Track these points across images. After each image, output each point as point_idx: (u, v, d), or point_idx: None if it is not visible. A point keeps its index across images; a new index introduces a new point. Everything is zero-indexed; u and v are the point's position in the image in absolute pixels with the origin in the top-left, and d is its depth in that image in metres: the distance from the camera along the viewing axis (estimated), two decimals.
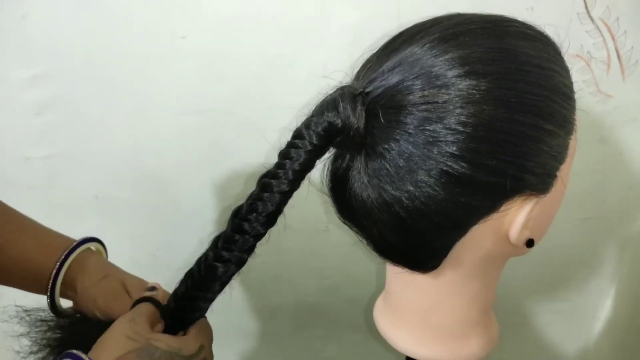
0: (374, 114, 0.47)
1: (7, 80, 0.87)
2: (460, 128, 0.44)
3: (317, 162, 0.51)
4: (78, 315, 0.66)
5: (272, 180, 0.51)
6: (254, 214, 0.51)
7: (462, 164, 0.44)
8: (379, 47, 0.51)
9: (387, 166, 0.46)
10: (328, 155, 0.52)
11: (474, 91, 0.44)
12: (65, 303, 0.67)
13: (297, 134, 0.50)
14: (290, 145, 0.50)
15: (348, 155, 0.50)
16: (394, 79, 0.46)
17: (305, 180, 0.52)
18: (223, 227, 0.54)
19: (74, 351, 0.51)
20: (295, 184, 0.51)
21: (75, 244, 0.66)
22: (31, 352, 0.63)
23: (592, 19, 0.81)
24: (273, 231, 0.53)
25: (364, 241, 0.54)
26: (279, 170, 0.50)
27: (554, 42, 0.51)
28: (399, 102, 0.46)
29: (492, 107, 0.44)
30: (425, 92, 0.45)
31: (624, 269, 1.01)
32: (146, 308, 0.58)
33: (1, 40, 0.85)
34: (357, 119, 0.47)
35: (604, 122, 0.88)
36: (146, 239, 1.01)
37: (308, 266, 1.01)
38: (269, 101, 0.87)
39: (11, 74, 0.87)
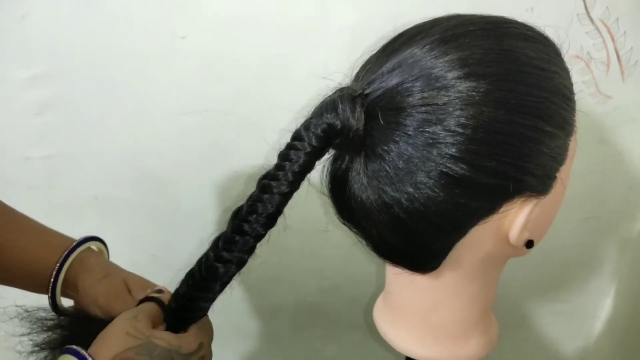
0: (373, 116, 0.47)
1: (7, 80, 0.87)
2: (459, 130, 0.44)
3: (317, 163, 0.51)
4: (79, 314, 0.66)
5: (272, 182, 0.51)
6: (254, 215, 0.51)
7: (462, 165, 0.44)
8: (378, 48, 0.51)
9: (387, 167, 0.46)
10: (327, 156, 0.52)
11: (474, 93, 0.44)
12: (67, 302, 0.67)
13: (297, 136, 0.50)
14: (289, 146, 0.50)
15: (347, 157, 0.50)
16: (393, 80, 0.46)
17: (304, 181, 0.52)
18: (223, 227, 0.54)
19: (74, 347, 0.51)
20: (294, 185, 0.51)
21: (75, 243, 0.66)
22: (32, 352, 0.63)
23: (591, 20, 0.81)
24: (273, 232, 0.53)
25: (364, 242, 0.54)
26: (278, 172, 0.50)
27: (554, 44, 0.51)
28: (399, 104, 0.46)
29: (491, 109, 0.44)
30: (425, 94, 0.45)
31: (624, 269, 1.01)
32: (150, 307, 0.58)
33: (1, 40, 0.85)
34: (357, 120, 0.47)
35: (603, 123, 0.88)
36: (146, 239, 1.01)
37: (308, 267, 1.01)
38: (269, 101, 0.87)
39: (11, 74, 0.87)
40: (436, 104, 0.44)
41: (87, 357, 0.50)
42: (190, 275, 0.56)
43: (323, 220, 0.95)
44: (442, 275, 0.54)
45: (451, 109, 0.44)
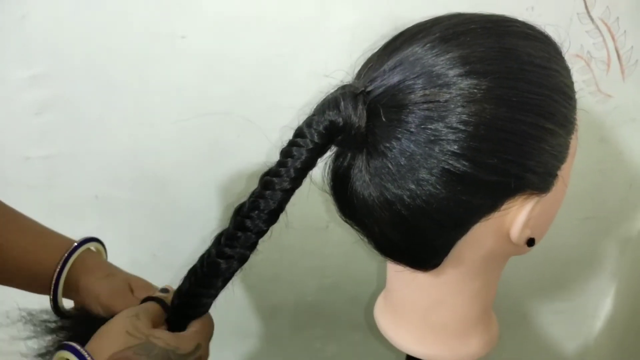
0: (375, 113, 0.47)
1: (7, 80, 0.87)
2: (461, 127, 0.44)
3: (319, 160, 0.51)
4: (80, 314, 0.65)
5: (274, 178, 0.51)
6: (256, 212, 0.51)
7: (464, 162, 0.44)
8: (380, 47, 0.52)
9: (389, 165, 0.46)
10: (329, 153, 0.52)
11: (475, 90, 0.44)
12: (68, 304, 0.67)
13: (299, 133, 0.50)
14: (292, 143, 0.50)
15: (349, 154, 0.50)
16: (395, 78, 0.46)
17: (306, 178, 0.52)
18: (224, 226, 0.54)
19: (71, 343, 0.50)
20: (297, 182, 0.51)
21: (76, 244, 0.66)
22: (37, 355, 0.63)
23: (592, 19, 0.81)
24: (274, 229, 0.53)
25: (365, 240, 0.54)
26: (280, 169, 0.51)
27: (554, 42, 0.51)
28: (401, 101, 0.46)
29: (493, 106, 0.44)
30: (427, 91, 0.45)
31: (624, 268, 1.01)
32: (152, 307, 0.58)
33: (1, 40, 0.85)
34: (359, 117, 0.47)
35: (603, 122, 0.88)
36: (146, 239, 1.01)
37: (308, 265, 1.01)
38: (269, 101, 0.87)
39: (11, 74, 0.87)
40: (438, 101, 0.44)
41: (85, 354, 0.49)
42: (193, 271, 0.56)
43: (324, 217, 0.95)
44: (444, 273, 0.54)
45: (453, 106, 0.44)
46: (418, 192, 0.46)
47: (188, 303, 0.56)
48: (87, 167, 0.94)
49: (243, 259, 0.53)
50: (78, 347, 0.50)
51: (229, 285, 0.55)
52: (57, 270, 0.63)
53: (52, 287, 0.63)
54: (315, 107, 0.50)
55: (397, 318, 0.61)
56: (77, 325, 0.64)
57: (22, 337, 0.64)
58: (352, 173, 0.50)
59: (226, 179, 0.95)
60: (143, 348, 0.51)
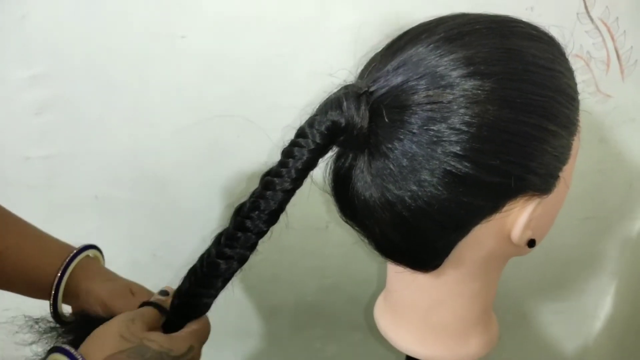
0: (377, 114, 0.47)
1: (7, 80, 0.87)
2: (464, 128, 0.44)
3: (320, 160, 0.51)
4: (80, 317, 0.66)
5: (275, 179, 0.51)
6: (257, 212, 0.51)
7: (466, 164, 0.44)
8: (383, 46, 0.51)
9: (391, 165, 0.46)
10: (331, 154, 0.52)
11: (479, 91, 0.44)
12: (67, 309, 0.67)
13: (301, 133, 0.50)
14: (293, 143, 0.50)
15: (351, 154, 0.50)
16: (398, 78, 0.46)
17: (307, 178, 0.52)
18: (224, 226, 0.54)
19: (64, 346, 0.50)
20: (298, 182, 0.51)
21: (76, 250, 0.66)
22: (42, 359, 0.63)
23: (591, 19, 0.81)
24: (274, 229, 0.53)
25: (366, 240, 0.54)
26: (282, 169, 0.50)
27: (558, 43, 0.51)
28: (403, 102, 0.46)
29: (496, 108, 0.44)
30: (430, 92, 0.45)
31: (624, 268, 1.01)
32: (149, 311, 0.58)
33: (1, 40, 0.85)
34: (361, 118, 0.47)
35: (603, 122, 0.88)
36: (146, 239, 1.01)
37: (308, 265, 1.01)
38: (269, 101, 0.87)
39: (11, 74, 0.87)
40: (441, 102, 0.44)
41: (77, 356, 0.49)
42: (193, 271, 0.55)
43: (325, 218, 0.95)
44: (444, 274, 0.54)
45: (456, 107, 0.44)
46: (419, 193, 0.46)
47: (188, 303, 0.56)
48: (87, 167, 0.94)
49: (243, 260, 0.53)
50: (71, 350, 0.50)
51: (229, 285, 0.55)
52: (58, 275, 0.63)
53: (53, 293, 0.64)
54: (317, 107, 0.50)
55: (397, 318, 0.61)
56: (78, 328, 0.64)
57: (27, 342, 0.64)
58: (354, 174, 0.50)
59: (226, 179, 0.95)
60: (136, 351, 0.51)
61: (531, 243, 0.51)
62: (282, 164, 0.51)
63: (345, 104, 0.47)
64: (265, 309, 1.09)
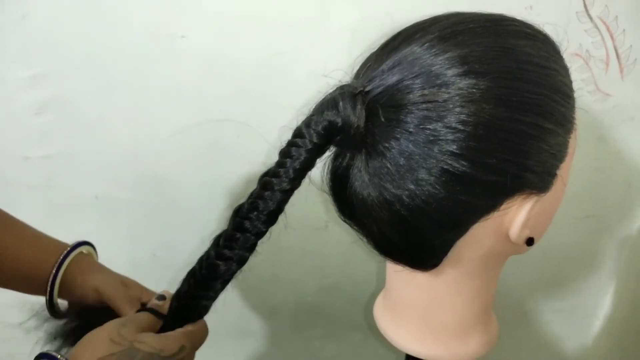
0: (374, 113, 0.47)
1: (7, 80, 0.87)
2: (460, 127, 0.44)
3: (318, 160, 0.51)
4: (76, 307, 0.66)
5: (273, 179, 0.51)
6: (255, 213, 0.51)
7: (463, 162, 0.44)
8: (378, 46, 0.52)
9: (388, 165, 0.46)
10: (328, 153, 0.52)
11: (474, 90, 0.44)
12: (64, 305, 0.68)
13: (298, 133, 0.50)
14: (290, 144, 0.50)
15: (348, 154, 0.50)
16: (393, 77, 0.46)
17: (305, 178, 0.52)
18: (223, 227, 0.54)
19: (49, 351, 0.50)
20: (296, 182, 0.51)
21: (70, 247, 0.67)
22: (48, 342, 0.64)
23: (590, 18, 0.81)
24: (273, 230, 0.53)
25: (364, 240, 0.54)
26: (279, 169, 0.50)
27: (553, 41, 0.51)
28: (399, 101, 0.46)
29: (492, 106, 0.44)
30: (425, 91, 0.45)
31: (623, 267, 1.01)
32: (144, 316, 0.57)
33: (1, 40, 0.85)
34: (357, 117, 0.47)
35: (602, 121, 0.88)
36: (146, 239, 1.01)
37: (308, 265, 1.01)
38: (269, 101, 0.87)
39: (11, 74, 0.87)
40: (436, 101, 0.44)
41: None
42: (192, 274, 0.55)
43: (323, 217, 0.95)
44: (443, 273, 0.54)
45: (451, 106, 0.44)
46: (417, 192, 0.46)
47: (187, 306, 0.56)
48: (87, 167, 0.94)
49: (242, 261, 0.53)
50: (58, 356, 0.50)
51: (229, 285, 0.55)
52: (53, 272, 0.65)
53: (49, 288, 0.64)
54: (313, 107, 0.50)
55: (396, 318, 0.61)
56: (72, 318, 0.65)
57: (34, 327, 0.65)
58: (351, 173, 0.50)
59: (226, 179, 0.95)
60: (126, 354, 0.50)
61: (529, 241, 0.51)
62: (279, 164, 0.51)
63: (341, 103, 0.47)
64: (265, 309, 1.09)
